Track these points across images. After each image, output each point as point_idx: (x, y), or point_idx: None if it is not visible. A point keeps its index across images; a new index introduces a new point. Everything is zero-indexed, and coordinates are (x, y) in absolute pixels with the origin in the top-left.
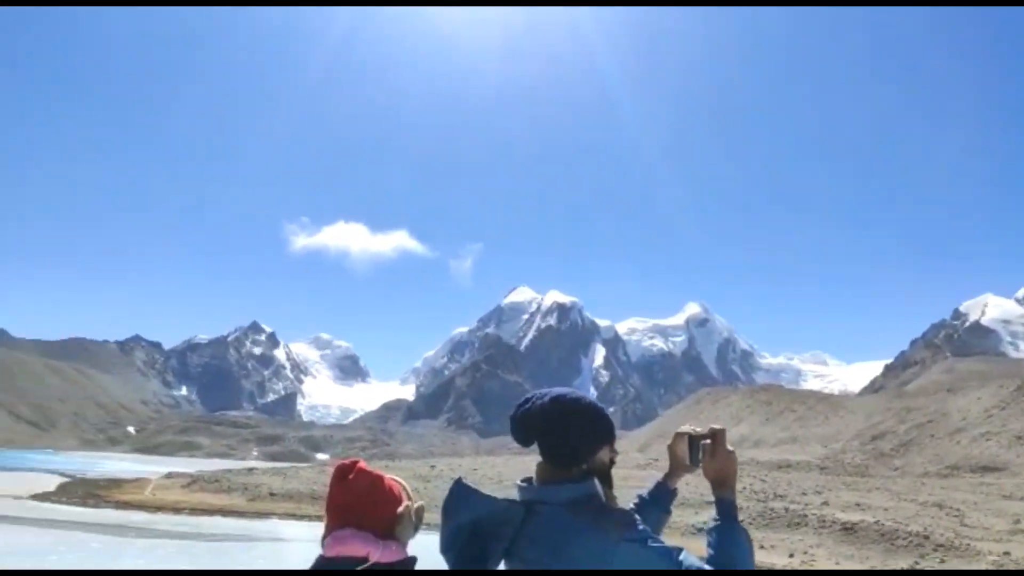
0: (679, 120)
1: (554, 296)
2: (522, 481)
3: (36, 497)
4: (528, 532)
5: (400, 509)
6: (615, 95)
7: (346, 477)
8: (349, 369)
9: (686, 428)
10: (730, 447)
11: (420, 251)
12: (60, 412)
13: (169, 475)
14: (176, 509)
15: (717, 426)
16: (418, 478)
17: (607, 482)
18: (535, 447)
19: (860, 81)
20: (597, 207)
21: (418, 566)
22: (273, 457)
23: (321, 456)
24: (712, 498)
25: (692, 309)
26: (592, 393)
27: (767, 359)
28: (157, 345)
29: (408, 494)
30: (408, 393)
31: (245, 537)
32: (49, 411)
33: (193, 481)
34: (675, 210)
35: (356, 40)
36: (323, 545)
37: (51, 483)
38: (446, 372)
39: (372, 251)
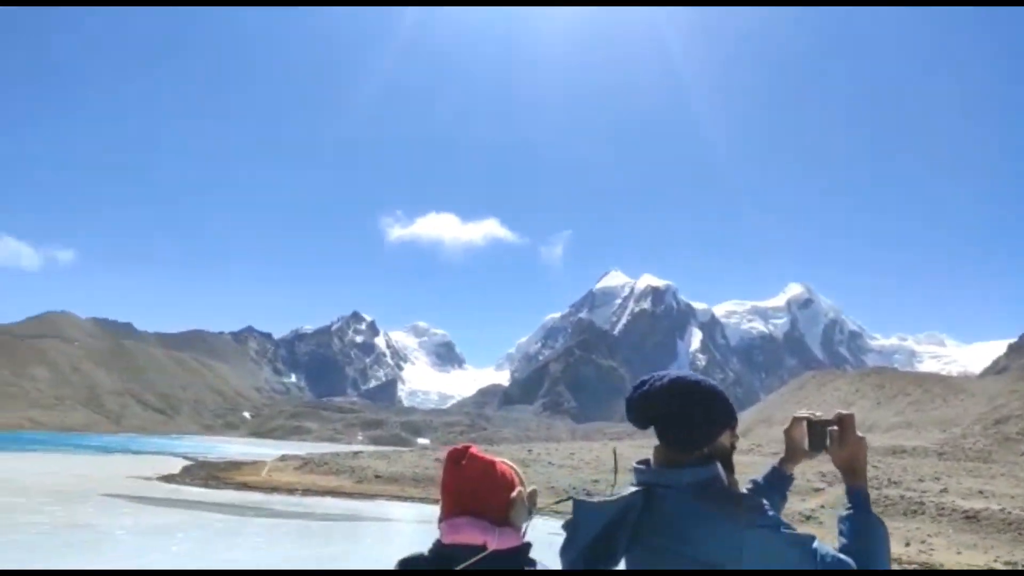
0: (776, 97)
1: (647, 279)
2: (639, 463)
3: (163, 479)
4: (650, 517)
5: (514, 494)
6: (709, 71)
7: (459, 462)
8: (445, 356)
9: (804, 412)
10: (860, 433)
11: (510, 239)
12: (182, 400)
13: (282, 458)
14: (290, 490)
15: (845, 411)
16: (516, 462)
17: (728, 467)
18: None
19: (968, 49)
20: (688, 188)
21: (530, 551)
22: (376, 441)
23: (422, 440)
24: (820, 484)
25: (794, 290)
26: None
27: (878, 340)
28: (267, 335)
29: (520, 479)
30: (503, 379)
31: (354, 517)
32: (173, 399)
33: (304, 464)
34: (771, 188)
35: (440, 35)
36: (439, 529)
37: (176, 466)
38: (540, 358)
39: (463, 240)
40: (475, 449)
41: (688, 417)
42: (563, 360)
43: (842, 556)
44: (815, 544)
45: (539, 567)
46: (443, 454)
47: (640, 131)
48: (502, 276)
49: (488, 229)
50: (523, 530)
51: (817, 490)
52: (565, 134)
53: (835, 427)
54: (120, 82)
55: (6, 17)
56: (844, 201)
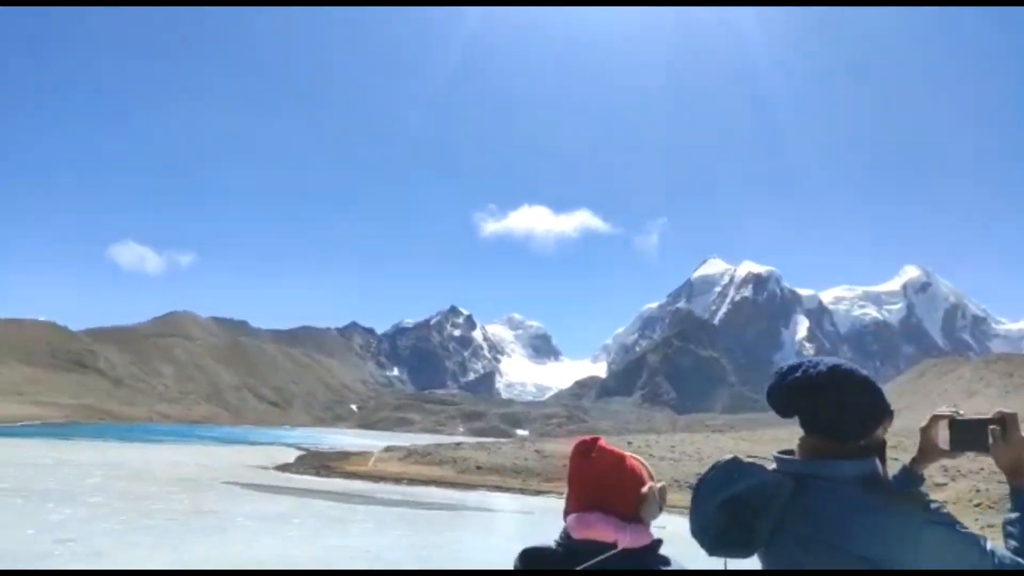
0: (884, 74)
1: (748, 266)
2: (782, 453)
3: (279, 468)
4: (801, 507)
5: (645, 490)
6: (815, 50)
7: (589, 455)
8: (541, 348)
9: (945, 410)
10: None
11: (603, 228)
12: (295, 393)
13: (388, 449)
14: (396, 479)
15: (1008, 410)
16: None
17: (883, 460)
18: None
19: None
20: (790, 169)
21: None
22: (476, 432)
23: (521, 432)
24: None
25: (911, 273)
26: None
27: (1005, 325)
28: (371, 330)
29: (650, 473)
30: (599, 370)
31: (458, 506)
32: (286, 392)
33: (408, 455)
34: (882, 166)
35: (532, 32)
36: (566, 523)
37: (290, 456)
38: (637, 349)
39: (556, 231)
40: (604, 442)
41: (851, 408)
42: (661, 351)
43: (1019, 558)
44: (990, 545)
45: (674, 565)
46: (542, 446)
47: (736, 112)
48: (597, 267)
49: (581, 220)
50: (651, 525)
51: (939, 485)
52: (656, 120)
53: (996, 426)
54: (234, 93)
55: (121, 27)
56: (963, 177)
